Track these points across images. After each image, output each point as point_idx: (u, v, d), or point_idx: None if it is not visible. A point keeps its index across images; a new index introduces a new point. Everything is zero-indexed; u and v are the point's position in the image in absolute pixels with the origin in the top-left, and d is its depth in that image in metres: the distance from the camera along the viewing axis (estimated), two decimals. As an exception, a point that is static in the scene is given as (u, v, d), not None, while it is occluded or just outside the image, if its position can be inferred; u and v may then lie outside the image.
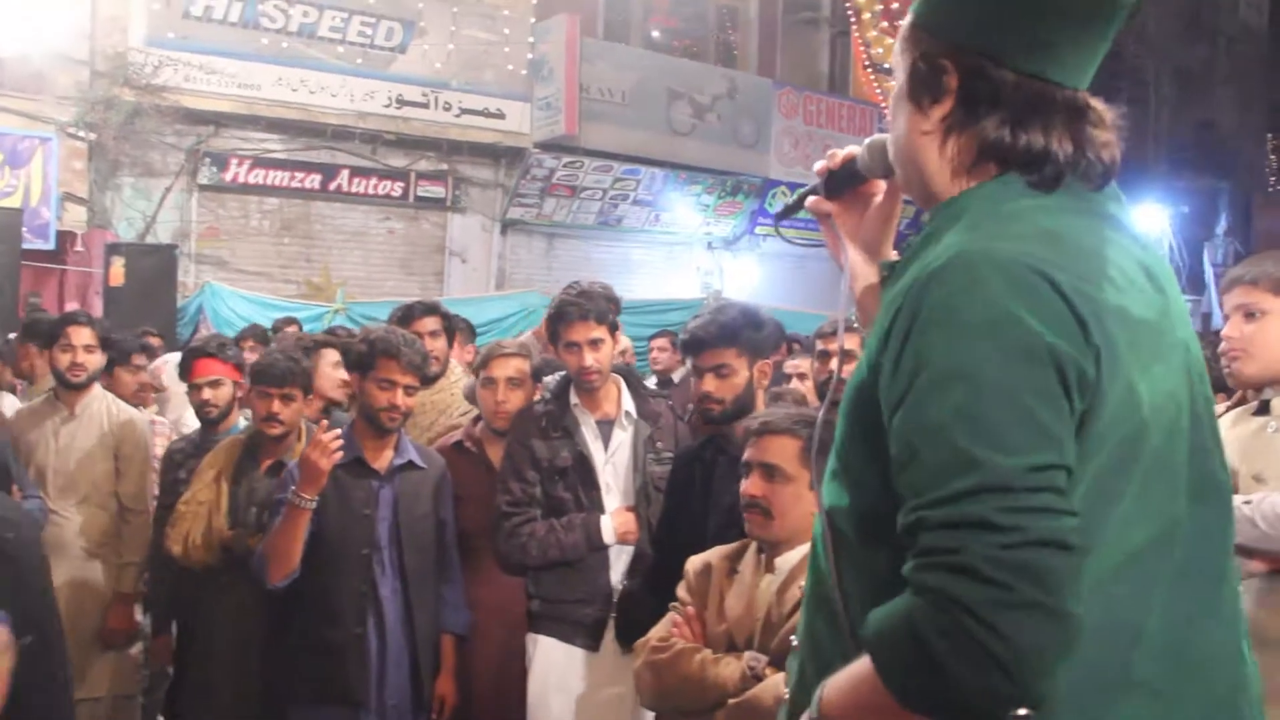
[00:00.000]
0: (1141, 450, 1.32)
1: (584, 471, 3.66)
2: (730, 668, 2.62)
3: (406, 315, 4.58)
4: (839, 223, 1.79)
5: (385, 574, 3.58)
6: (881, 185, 1.75)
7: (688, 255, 14.43)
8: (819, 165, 1.79)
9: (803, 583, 2.52)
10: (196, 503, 3.76)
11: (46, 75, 10.24)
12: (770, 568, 2.71)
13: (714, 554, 2.87)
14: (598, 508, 3.64)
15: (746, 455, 2.77)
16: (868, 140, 1.67)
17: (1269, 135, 21.46)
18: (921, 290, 1.31)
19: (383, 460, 3.64)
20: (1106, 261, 1.35)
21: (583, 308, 3.60)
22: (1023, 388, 1.23)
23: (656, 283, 13.79)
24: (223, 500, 3.78)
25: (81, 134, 10.39)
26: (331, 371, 4.47)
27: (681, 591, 2.87)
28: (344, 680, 3.50)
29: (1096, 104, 1.46)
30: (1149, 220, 18.12)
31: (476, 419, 4.14)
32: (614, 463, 3.71)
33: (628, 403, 3.76)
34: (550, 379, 4.61)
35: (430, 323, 4.58)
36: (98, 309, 10.05)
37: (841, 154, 1.73)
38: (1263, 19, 21.05)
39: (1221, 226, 18.39)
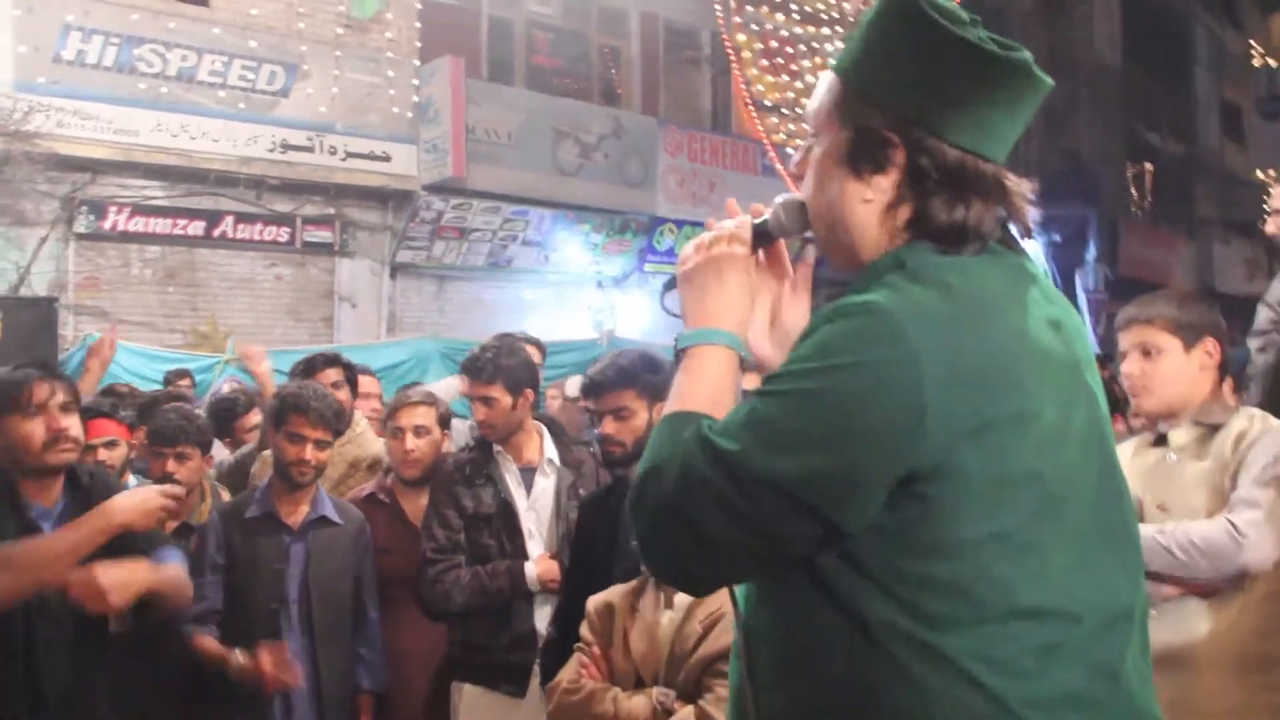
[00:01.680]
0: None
1: (507, 518, 3.68)
2: (641, 704, 2.68)
3: (308, 368, 4.57)
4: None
5: (292, 629, 3.57)
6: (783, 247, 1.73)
7: (578, 294, 14.47)
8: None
9: (701, 619, 2.65)
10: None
11: (-91, 120, 9.88)
12: (670, 604, 2.79)
13: (614, 592, 2.94)
14: (521, 554, 3.65)
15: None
16: (782, 199, 1.65)
17: (1128, 163, 22.41)
18: (826, 316, 1.41)
19: (296, 516, 3.63)
20: (1005, 314, 1.43)
21: (475, 366, 3.73)
22: (863, 407, 1.34)
23: (549, 323, 13.77)
24: None
25: (-51, 185, 10.03)
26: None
27: (585, 631, 2.93)
28: None
29: (1011, 176, 1.52)
30: (1026, 249, 18.72)
31: (387, 470, 4.12)
32: (536, 509, 3.73)
33: (550, 450, 3.80)
34: (464, 424, 4.62)
35: (332, 374, 4.57)
36: (-29, 365, 9.67)
37: (737, 220, 1.67)
38: (1117, 55, 22.05)
39: (1091, 253, 19.10)
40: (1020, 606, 1.36)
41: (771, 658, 1.49)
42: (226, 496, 4.09)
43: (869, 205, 1.51)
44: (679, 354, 1.59)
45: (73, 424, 2.83)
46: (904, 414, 1.33)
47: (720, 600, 1.89)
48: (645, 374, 3.38)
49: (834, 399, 1.34)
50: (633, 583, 2.93)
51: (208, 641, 3.44)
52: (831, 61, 1.59)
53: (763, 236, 1.67)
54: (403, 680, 3.77)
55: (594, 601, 2.95)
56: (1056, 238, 17.37)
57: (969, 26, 1.46)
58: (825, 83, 1.58)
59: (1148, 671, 1.49)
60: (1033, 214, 1.54)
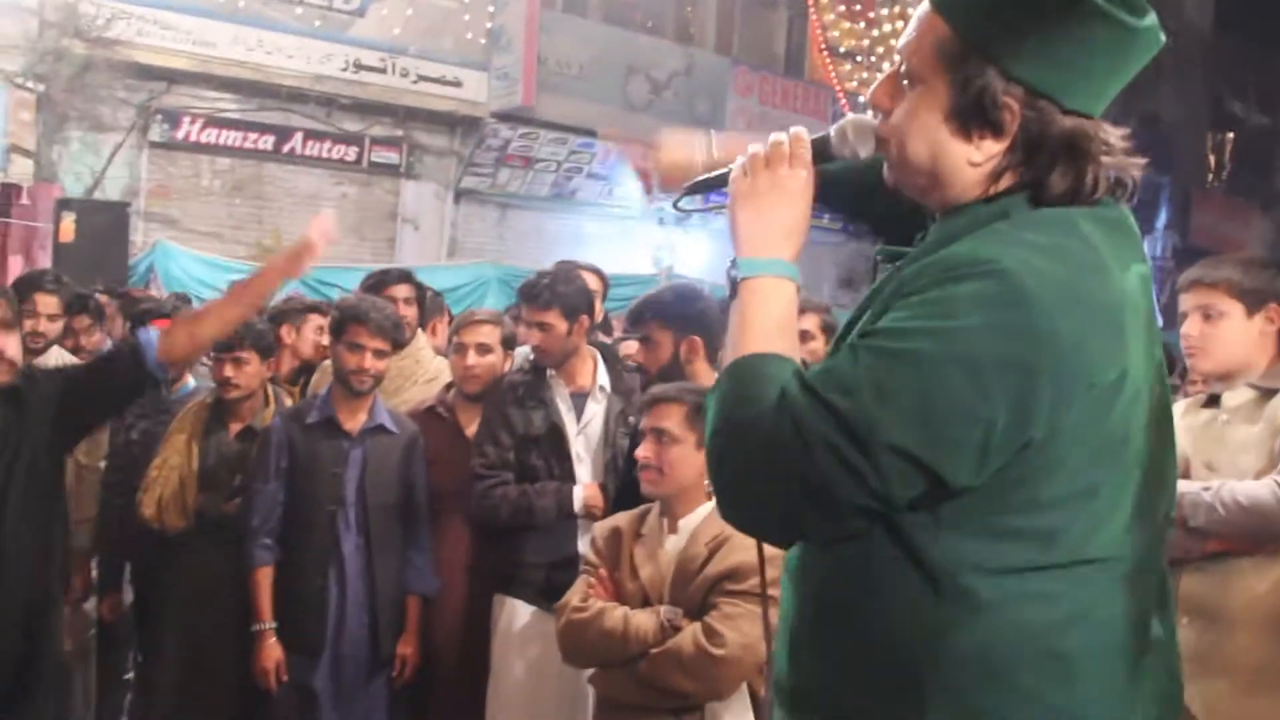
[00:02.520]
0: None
1: (556, 441, 3.74)
2: (649, 620, 2.79)
3: (380, 282, 4.64)
4: None
5: (349, 530, 3.69)
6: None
7: (640, 230, 14.47)
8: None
9: (706, 540, 2.76)
10: (168, 467, 3.79)
11: (-6, 22, 10.05)
12: (674, 529, 2.90)
13: (621, 518, 3.06)
14: (569, 477, 3.72)
15: (641, 424, 3.01)
16: (853, 120, 1.59)
17: (1209, 132, 21.91)
18: (945, 272, 1.36)
19: (355, 422, 3.73)
20: (1110, 273, 1.40)
21: (533, 292, 3.78)
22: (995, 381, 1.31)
23: (609, 256, 13.74)
24: (193, 464, 3.81)
25: (29, 85, 10.20)
26: (313, 336, 4.59)
27: (590, 554, 3.05)
28: (303, 628, 3.62)
29: (1113, 132, 1.47)
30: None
31: (449, 386, 4.21)
32: (586, 434, 3.79)
33: (602, 377, 3.85)
34: (523, 348, 4.69)
35: (403, 290, 4.65)
36: (44, 264, 9.90)
37: (792, 133, 1.60)
38: (1206, 18, 21.45)
39: (1161, 220, 18.77)
40: (1089, 555, 1.39)
41: (823, 599, 1.50)
42: (289, 402, 4.19)
43: (976, 167, 1.45)
44: (737, 283, 1.53)
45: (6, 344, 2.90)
46: (1032, 380, 1.31)
47: (723, 524, 1.94)
48: (676, 305, 3.45)
49: (963, 364, 1.31)
50: (638, 509, 3.04)
51: (262, 589, 3.63)
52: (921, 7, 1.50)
53: (820, 156, 1.60)
54: (448, 588, 3.86)
55: (601, 527, 3.09)
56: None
57: None
58: (926, 20, 1.47)
59: (1172, 625, 1.52)
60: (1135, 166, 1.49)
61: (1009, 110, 1.41)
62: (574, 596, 2.96)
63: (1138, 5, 1.41)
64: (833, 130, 1.61)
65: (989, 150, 1.44)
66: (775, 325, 1.49)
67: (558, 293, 3.76)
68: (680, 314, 3.50)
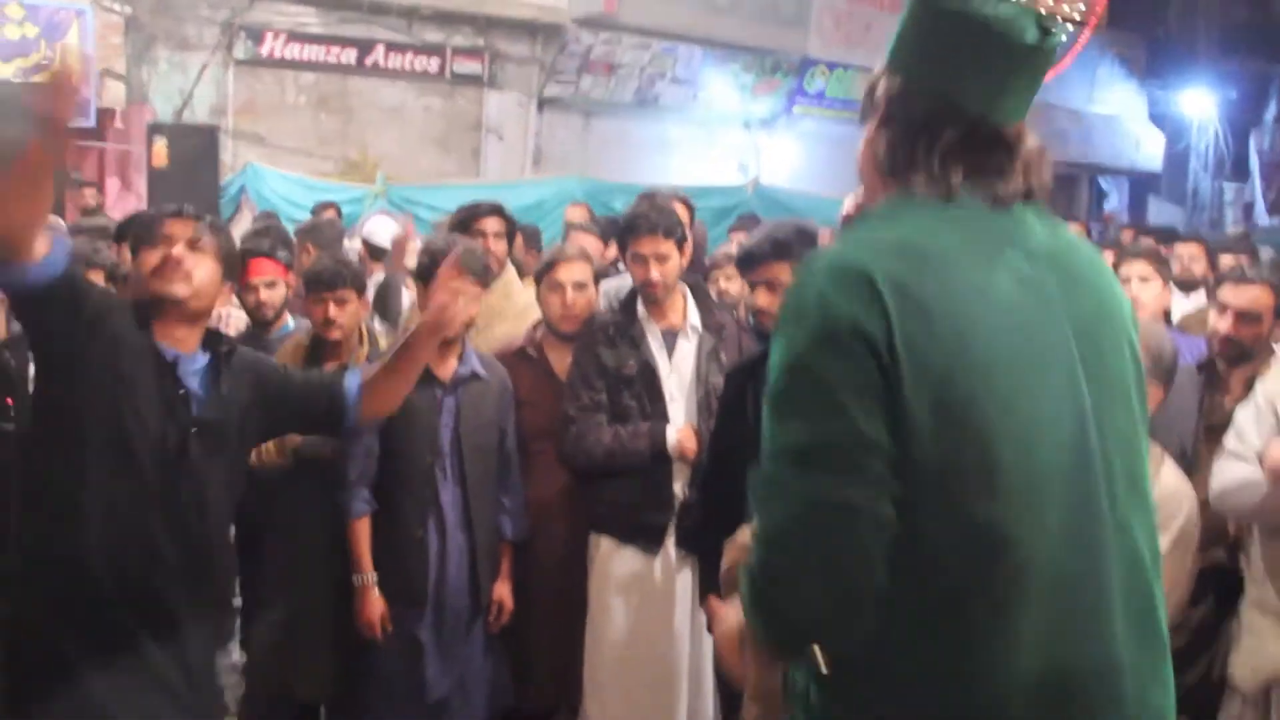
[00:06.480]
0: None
1: (649, 381, 3.73)
2: None
3: (471, 215, 4.57)
4: None
5: (446, 481, 3.66)
6: None
7: (725, 135, 14.26)
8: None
9: None
10: (266, 406, 3.80)
11: (79, -54, 10.09)
12: None
13: None
14: (662, 417, 3.71)
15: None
16: None
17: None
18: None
19: (447, 370, 3.68)
20: (952, 265, 1.49)
21: (651, 221, 3.67)
22: (821, 368, 1.44)
23: (693, 163, 13.65)
24: None
25: (116, 7, 10.26)
26: None
27: None
28: (405, 580, 3.61)
29: (1017, 135, 1.59)
30: (1194, 105, 17.70)
31: (537, 324, 4.16)
32: (678, 373, 3.77)
33: (693, 315, 3.81)
34: (608, 284, 4.64)
35: (493, 224, 4.56)
36: (140, 187, 10.07)
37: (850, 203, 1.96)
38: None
39: (1271, 113, 17.96)
40: None
41: None
42: (384, 344, 4.17)
43: (867, 147, 1.65)
44: None
45: (192, 261, 2.64)
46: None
47: None
48: (800, 246, 3.35)
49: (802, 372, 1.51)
50: None
51: (361, 541, 3.62)
52: None
53: None
54: (543, 529, 3.87)
55: None
56: (1233, 94, 16.38)
57: None
58: None
59: None
60: (1041, 179, 1.61)
61: (878, 90, 1.63)
62: (749, 532, 2.89)
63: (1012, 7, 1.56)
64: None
65: (867, 130, 1.65)
66: None
67: (672, 222, 3.70)
68: (806, 255, 3.37)
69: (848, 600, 1.42)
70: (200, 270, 2.66)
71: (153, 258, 2.65)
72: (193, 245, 2.66)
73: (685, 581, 3.77)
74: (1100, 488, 1.48)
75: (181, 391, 2.62)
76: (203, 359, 2.71)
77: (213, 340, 2.75)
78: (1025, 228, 1.57)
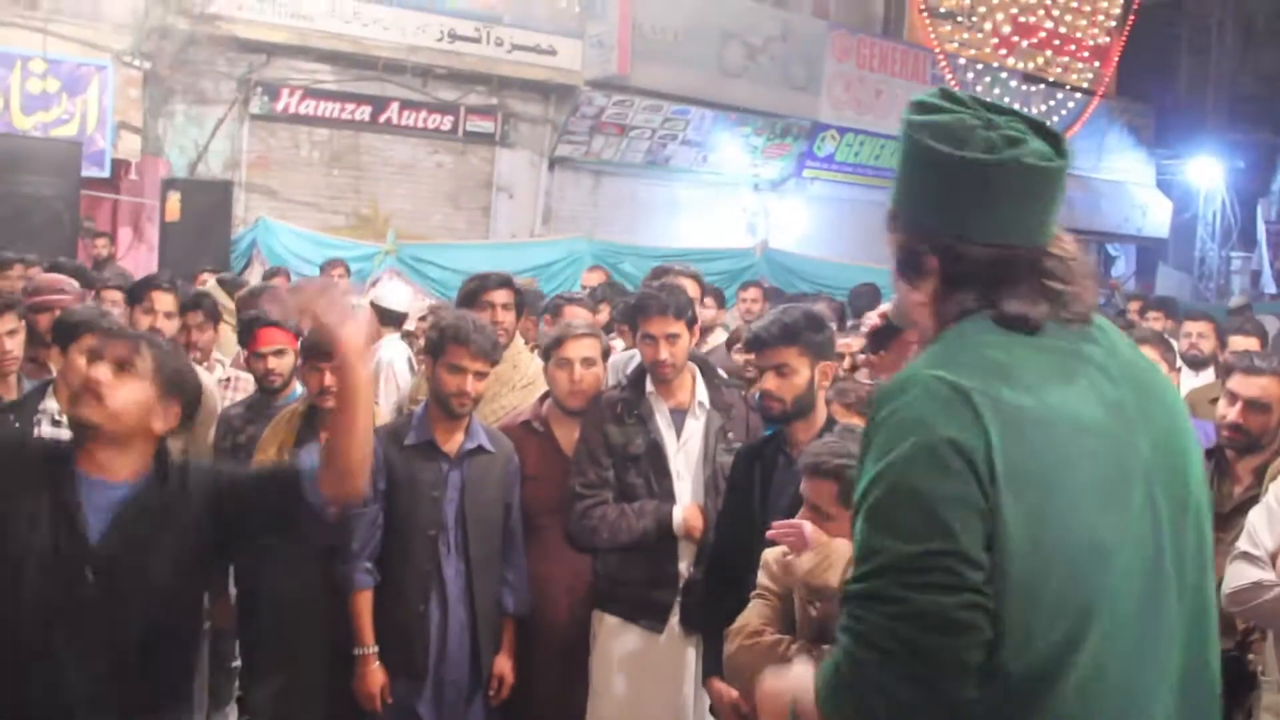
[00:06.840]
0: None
1: (656, 459, 3.72)
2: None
3: (481, 285, 4.58)
4: (890, 371, 1.97)
5: (449, 555, 3.64)
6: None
7: (734, 196, 14.34)
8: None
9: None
10: (262, 476, 3.80)
11: (103, 2, 10.23)
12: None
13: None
14: (669, 496, 3.70)
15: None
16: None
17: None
18: (874, 403, 1.64)
19: (453, 444, 3.68)
20: (1040, 386, 1.56)
21: (662, 302, 3.69)
22: (923, 484, 1.49)
23: (702, 224, 13.73)
24: None
25: (136, 62, 10.39)
26: None
27: (764, 579, 2.92)
28: (406, 653, 3.59)
29: (1063, 248, 1.68)
30: (1202, 174, 17.78)
31: (543, 398, 4.15)
32: (686, 451, 3.76)
33: (701, 393, 3.81)
34: (616, 358, 4.64)
35: (502, 295, 4.58)
36: (152, 238, 10.15)
37: (875, 316, 2.08)
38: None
39: (1278, 183, 18.05)
40: None
41: None
42: (380, 415, 4.17)
43: (923, 306, 1.73)
44: None
45: (114, 384, 2.45)
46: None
47: None
48: (809, 332, 3.36)
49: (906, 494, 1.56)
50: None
51: (363, 613, 3.58)
52: None
53: (891, 329, 2.03)
54: (546, 605, 3.84)
55: (775, 552, 2.91)
56: (1240, 164, 16.46)
57: (979, 130, 1.63)
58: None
59: None
60: (1090, 295, 1.69)
61: (923, 254, 1.70)
62: (750, 623, 2.84)
63: (993, 142, 1.63)
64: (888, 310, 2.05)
65: (924, 289, 1.72)
66: None
67: (683, 302, 3.72)
68: (814, 341, 3.35)
69: (936, 706, 1.47)
70: (122, 394, 2.45)
71: (74, 371, 2.49)
72: (121, 365, 2.47)
73: (688, 660, 3.75)
74: (1173, 610, 1.57)
75: (77, 523, 2.44)
76: (126, 488, 2.49)
77: (161, 461, 2.56)
78: (1101, 345, 1.66)
